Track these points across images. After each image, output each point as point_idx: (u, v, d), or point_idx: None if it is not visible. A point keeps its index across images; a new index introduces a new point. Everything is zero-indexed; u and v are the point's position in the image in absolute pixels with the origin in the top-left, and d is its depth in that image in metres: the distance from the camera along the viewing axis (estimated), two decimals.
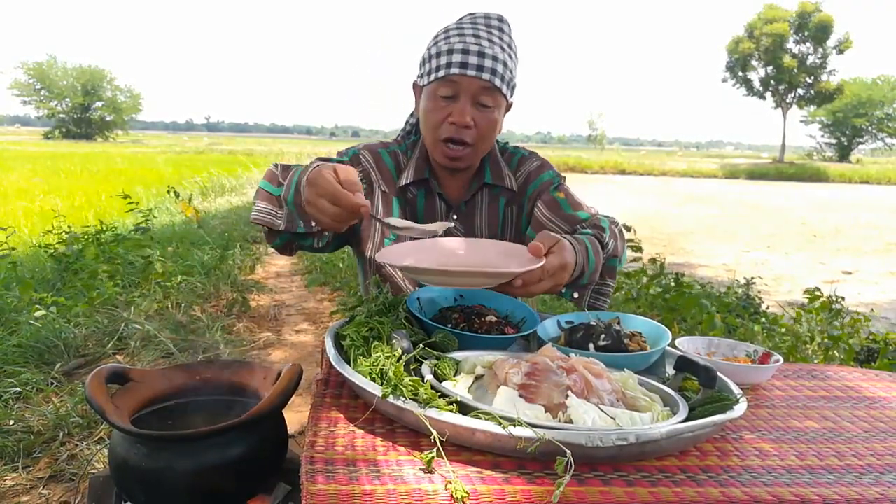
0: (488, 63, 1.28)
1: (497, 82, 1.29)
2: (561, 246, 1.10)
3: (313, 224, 1.17)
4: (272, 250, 1.40)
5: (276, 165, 1.29)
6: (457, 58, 1.28)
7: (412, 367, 0.95)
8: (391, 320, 1.09)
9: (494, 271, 1.03)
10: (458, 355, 1.03)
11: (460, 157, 1.35)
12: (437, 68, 1.30)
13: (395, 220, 1.11)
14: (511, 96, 1.37)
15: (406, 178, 1.43)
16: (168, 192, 7.96)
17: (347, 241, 1.49)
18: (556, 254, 1.09)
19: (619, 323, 1.18)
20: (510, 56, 1.34)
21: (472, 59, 1.27)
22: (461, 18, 1.38)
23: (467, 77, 1.28)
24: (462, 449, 0.81)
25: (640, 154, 53.69)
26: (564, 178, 1.52)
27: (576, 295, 1.30)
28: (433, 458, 0.77)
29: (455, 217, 1.45)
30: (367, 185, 1.42)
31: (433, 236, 1.15)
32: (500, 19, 1.37)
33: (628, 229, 4.60)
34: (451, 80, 1.29)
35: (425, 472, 0.76)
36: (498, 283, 1.05)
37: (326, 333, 1.09)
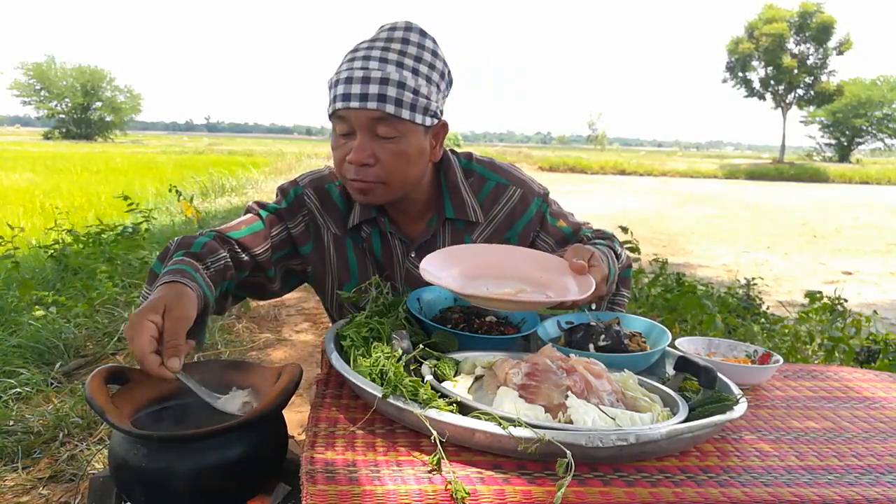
0: (374, 89, 1.12)
1: (389, 109, 1.12)
2: (597, 258, 1.10)
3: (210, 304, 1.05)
4: None
5: (173, 242, 1.17)
6: (340, 89, 1.14)
7: (412, 368, 0.95)
8: (391, 321, 1.09)
9: (559, 300, 1.02)
10: (457, 356, 1.03)
11: (368, 193, 1.20)
12: (328, 104, 1.18)
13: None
14: (428, 117, 1.18)
15: (353, 219, 1.30)
16: (170, 190, 7.95)
17: (302, 282, 1.39)
18: (596, 267, 1.08)
19: (619, 323, 1.18)
20: (415, 72, 1.15)
21: (355, 89, 1.12)
22: (374, 34, 1.23)
23: (352, 110, 1.13)
24: (462, 449, 0.81)
25: (640, 154, 53.71)
26: (548, 192, 1.40)
27: (593, 306, 1.28)
28: (440, 459, 0.77)
29: (413, 256, 1.31)
30: (313, 230, 1.32)
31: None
32: (408, 28, 1.20)
33: (625, 231, 4.61)
34: (339, 116, 1.16)
35: (426, 473, 0.76)
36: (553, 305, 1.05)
37: (327, 334, 1.09)
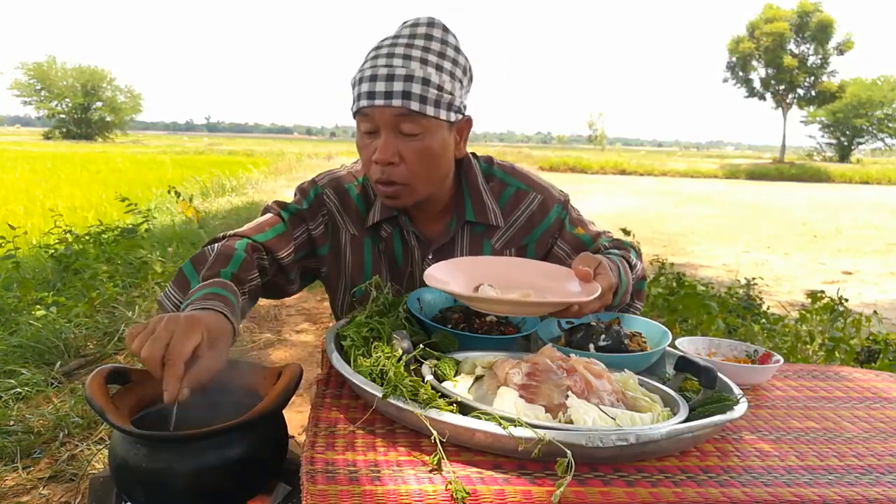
0: (398, 87, 1.11)
1: (414, 106, 1.12)
2: (604, 266, 1.09)
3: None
4: None
5: (211, 249, 1.15)
6: (364, 87, 1.14)
7: (412, 368, 0.95)
8: (391, 321, 1.09)
9: (562, 301, 1.01)
10: (458, 356, 1.03)
11: (395, 197, 1.20)
12: (353, 102, 1.18)
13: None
14: (452, 113, 1.18)
15: (373, 217, 1.30)
16: (169, 191, 7.95)
17: (314, 280, 1.39)
18: (602, 275, 1.07)
19: (619, 323, 1.18)
20: (438, 68, 1.15)
21: (379, 86, 1.12)
22: (396, 31, 1.24)
23: (377, 108, 1.13)
24: (462, 449, 0.81)
25: (640, 154, 53.69)
26: (568, 199, 1.38)
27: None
28: (440, 459, 0.77)
29: (431, 258, 1.30)
30: (332, 231, 1.32)
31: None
32: (430, 24, 1.20)
33: (627, 233, 4.60)
34: (363, 114, 1.16)
35: (426, 473, 0.76)
36: (559, 309, 1.03)
37: (327, 334, 1.09)
